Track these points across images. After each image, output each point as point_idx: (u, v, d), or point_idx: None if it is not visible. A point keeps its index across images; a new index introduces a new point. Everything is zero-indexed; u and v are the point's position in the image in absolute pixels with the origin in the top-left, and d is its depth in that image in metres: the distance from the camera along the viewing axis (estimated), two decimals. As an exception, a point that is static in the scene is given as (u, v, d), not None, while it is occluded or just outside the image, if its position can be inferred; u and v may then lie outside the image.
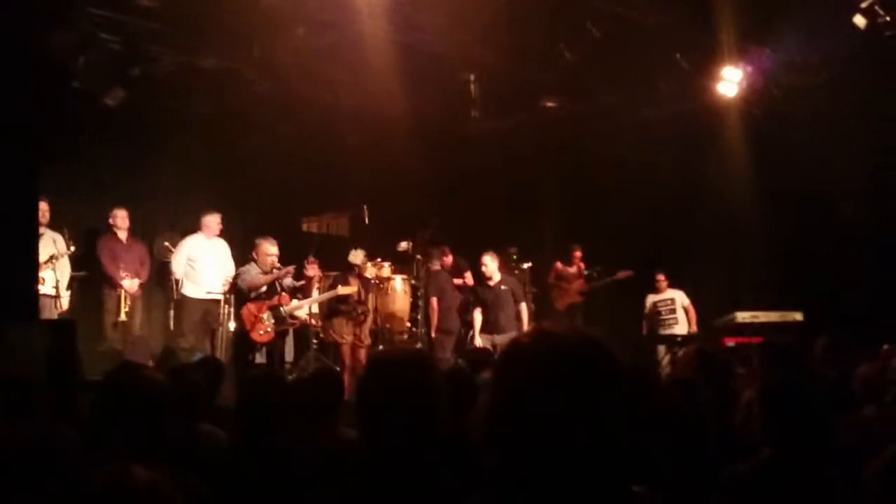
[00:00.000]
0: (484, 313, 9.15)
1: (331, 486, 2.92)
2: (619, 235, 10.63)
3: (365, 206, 9.85)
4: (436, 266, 9.58)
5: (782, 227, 9.81)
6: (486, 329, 9.09)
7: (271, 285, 7.70)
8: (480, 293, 9.27)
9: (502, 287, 9.14)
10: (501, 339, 8.82)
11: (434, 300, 9.34)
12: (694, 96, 9.68)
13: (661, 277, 10.23)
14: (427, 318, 9.47)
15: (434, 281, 9.47)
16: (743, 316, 8.91)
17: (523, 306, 9.24)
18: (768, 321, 8.74)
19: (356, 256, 9.05)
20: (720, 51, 8.94)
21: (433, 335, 9.36)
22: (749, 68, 9.16)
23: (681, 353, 7.41)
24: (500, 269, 9.35)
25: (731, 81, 9.24)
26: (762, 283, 10.13)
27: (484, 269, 9.20)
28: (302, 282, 8.81)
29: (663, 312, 10.15)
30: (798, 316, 8.87)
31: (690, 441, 3.55)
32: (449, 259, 9.80)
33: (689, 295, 10.15)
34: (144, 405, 2.58)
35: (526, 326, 9.01)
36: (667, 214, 10.48)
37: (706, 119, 9.88)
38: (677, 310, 10.11)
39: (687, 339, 9.29)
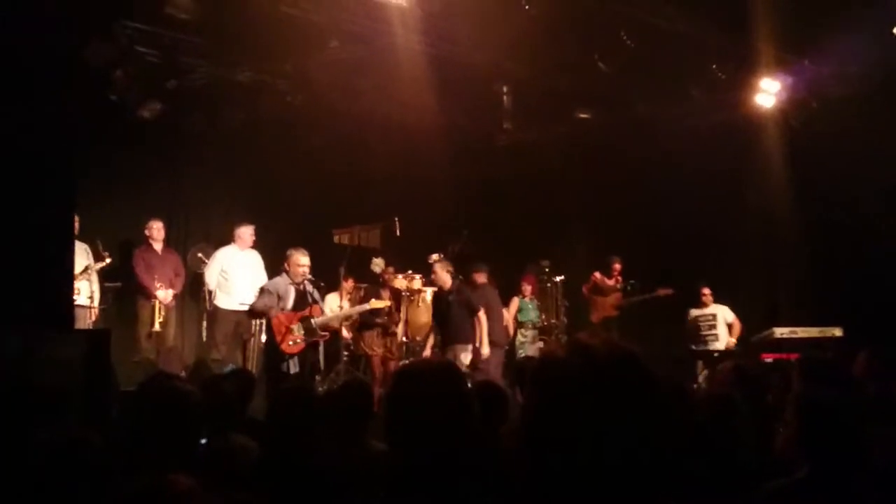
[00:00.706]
0: (440, 326, 8.74)
1: (360, 499, 2.90)
2: (653, 248, 10.49)
3: (396, 218, 9.85)
4: (481, 279, 9.22)
5: (821, 241, 9.62)
6: (442, 343, 8.68)
7: (302, 296, 7.70)
8: (434, 305, 8.87)
9: (450, 297, 8.63)
10: (455, 351, 8.43)
11: (482, 312, 9.14)
12: (730, 107, 9.56)
13: (705, 291, 9.86)
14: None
15: (482, 293, 9.06)
16: (781, 331, 8.75)
17: (481, 316, 8.61)
18: (807, 336, 8.58)
19: (377, 265, 9.07)
20: (758, 61, 8.83)
21: None
22: (788, 79, 9.02)
23: (718, 368, 7.28)
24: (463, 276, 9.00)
25: (768, 92, 9.12)
26: (801, 298, 9.94)
27: (434, 277, 8.75)
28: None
29: (703, 328, 9.86)
30: (837, 332, 8.69)
31: (726, 457, 3.48)
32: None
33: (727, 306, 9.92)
34: (177, 415, 2.58)
35: (485, 339, 8.59)
36: (702, 227, 10.32)
37: (743, 131, 9.75)
38: (718, 326, 9.79)
39: (724, 354, 9.12)
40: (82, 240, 8.28)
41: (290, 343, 7.40)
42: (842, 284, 9.16)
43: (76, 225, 8.14)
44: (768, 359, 8.39)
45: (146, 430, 2.66)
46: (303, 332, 7.47)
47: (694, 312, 9.98)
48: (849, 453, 2.67)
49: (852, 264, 9.19)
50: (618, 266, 10.62)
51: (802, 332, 8.71)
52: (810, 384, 4.15)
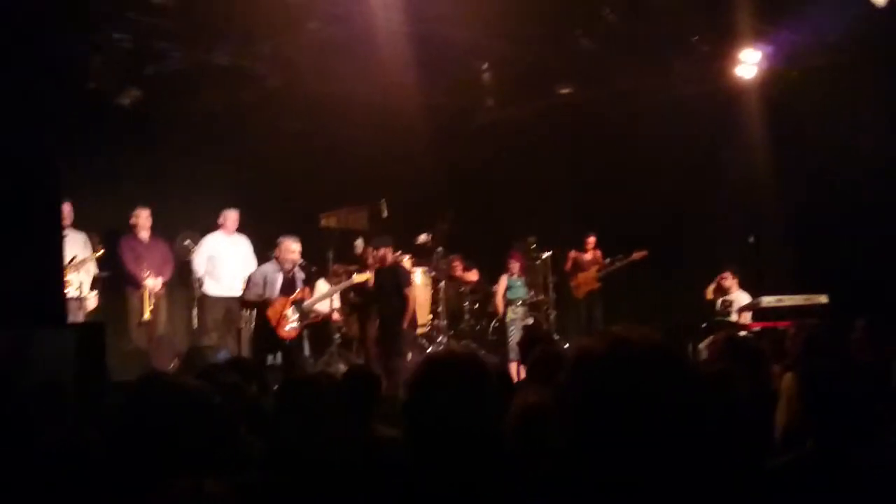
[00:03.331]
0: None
1: (371, 486, 2.90)
2: (637, 221, 10.55)
3: (383, 200, 9.81)
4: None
5: (803, 209, 9.70)
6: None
7: (290, 282, 7.69)
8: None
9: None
10: None
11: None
12: (712, 79, 9.59)
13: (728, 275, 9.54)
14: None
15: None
16: (768, 300, 8.79)
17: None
18: (793, 304, 8.62)
19: (357, 246, 9.08)
20: (738, 33, 8.84)
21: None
22: (767, 50, 9.05)
23: (707, 341, 7.28)
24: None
25: (749, 63, 9.14)
26: (784, 266, 10.02)
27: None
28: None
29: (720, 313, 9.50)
30: (822, 299, 8.76)
31: (727, 435, 3.51)
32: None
33: (709, 279, 9.91)
34: (189, 416, 2.54)
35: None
36: (686, 199, 10.38)
37: (724, 102, 9.79)
38: (733, 315, 9.43)
39: (712, 325, 9.09)
40: (77, 229, 8.21)
41: (287, 328, 7.41)
42: (824, 252, 9.25)
43: (70, 215, 8.06)
44: (755, 328, 8.46)
45: (155, 432, 2.59)
46: (297, 315, 7.48)
47: (721, 298, 9.62)
48: (856, 425, 2.69)
49: (833, 231, 9.27)
50: (592, 239, 10.69)
51: (788, 301, 8.75)
52: (809, 356, 4.20)
